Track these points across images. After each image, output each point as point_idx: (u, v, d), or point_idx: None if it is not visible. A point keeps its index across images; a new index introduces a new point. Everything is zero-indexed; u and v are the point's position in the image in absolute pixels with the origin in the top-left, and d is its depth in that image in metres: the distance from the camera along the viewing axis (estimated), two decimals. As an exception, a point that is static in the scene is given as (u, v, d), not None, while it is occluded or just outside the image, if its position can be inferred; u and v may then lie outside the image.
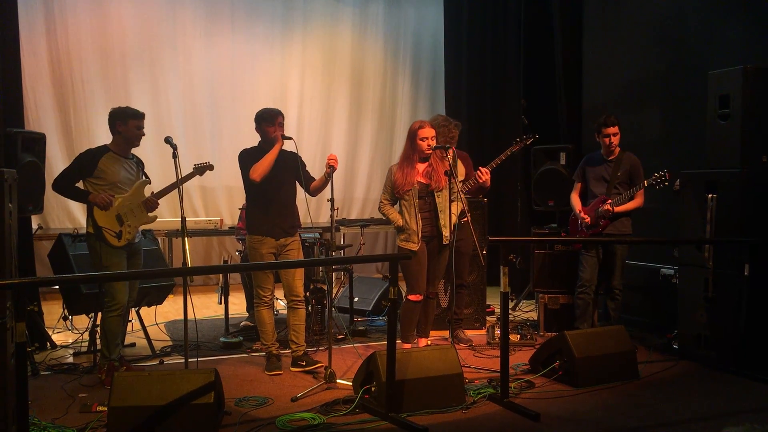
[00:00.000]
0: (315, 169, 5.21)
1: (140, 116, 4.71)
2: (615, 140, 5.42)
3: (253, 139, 4.96)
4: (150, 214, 4.79)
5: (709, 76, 5.13)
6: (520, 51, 8.35)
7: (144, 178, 4.86)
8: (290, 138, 4.80)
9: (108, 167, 4.60)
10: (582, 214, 5.54)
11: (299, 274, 4.97)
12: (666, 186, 5.16)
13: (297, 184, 4.98)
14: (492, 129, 9.02)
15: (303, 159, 4.94)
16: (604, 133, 5.43)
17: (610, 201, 5.36)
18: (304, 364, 4.85)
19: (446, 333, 5.78)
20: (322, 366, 4.70)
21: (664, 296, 5.86)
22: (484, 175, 5.25)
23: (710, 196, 4.96)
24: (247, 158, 4.84)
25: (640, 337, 5.67)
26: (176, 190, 4.60)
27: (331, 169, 4.63)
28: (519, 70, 8.37)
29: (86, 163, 4.60)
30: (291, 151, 4.92)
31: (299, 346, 4.89)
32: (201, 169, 5.01)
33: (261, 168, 4.72)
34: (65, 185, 4.62)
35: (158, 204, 4.83)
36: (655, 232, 6.20)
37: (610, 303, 5.51)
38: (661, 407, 4.13)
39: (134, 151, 4.87)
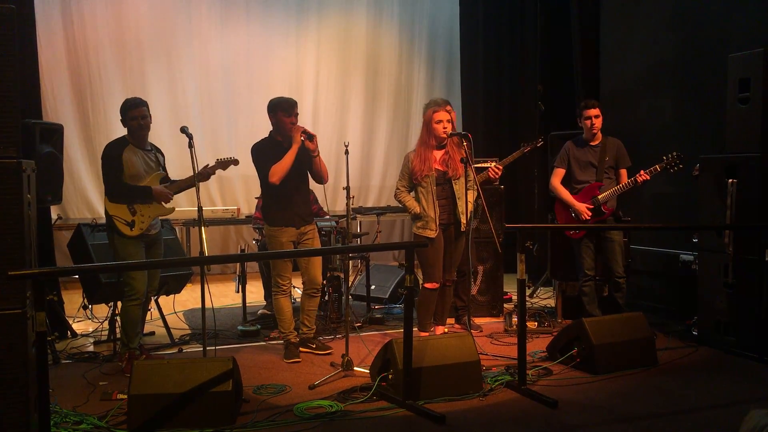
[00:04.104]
0: (331, 156, 5.20)
1: (139, 104, 4.62)
2: (597, 122, 5.34)
3: (269, 129, 4.93)
4: (166, 206, 4.73)
5: (729, 59, 5.05)
6: (536, 36, 8.27)
7: (162, 170, 4.81)
8: (313, 136, 4.75)
9: (128, 159, 4.58)
10: (580, 207, 5.32)
11: (318, 262, 5.06)
12: (681, 169, 5.03)
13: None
14: (509, 115, 8.99)
15: (318, 149, 4.92)
16: (586, 115, 5.37)
17: (643, 171, 5.13)
18: (314, 346, 5.00)
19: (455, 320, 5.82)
20: (330, 352, 4.90)
21: (684, 282, 5.80)
22: (499, 172, 5.40)
23: (730, 181, 4.90)
24: (261, 154, 4.82)
25: (659, 324, 5.63)
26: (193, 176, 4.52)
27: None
28: (536, 55, 8.30)
29: (115, 158, 4.56)
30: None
31: (310, 329, 5.03)
32: (224, 164, 4.90)
33: (280, 171, 4.70)
34: (121, 190, 4.53)
35: (172, 197, 4.75)
36: (674, 217, 6.14)
37: (616, 293, 5.36)
38: (680, 394, 4.11)
39: (154, 141, 4.87)
